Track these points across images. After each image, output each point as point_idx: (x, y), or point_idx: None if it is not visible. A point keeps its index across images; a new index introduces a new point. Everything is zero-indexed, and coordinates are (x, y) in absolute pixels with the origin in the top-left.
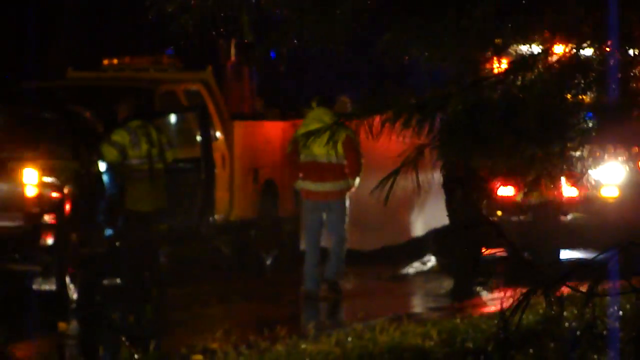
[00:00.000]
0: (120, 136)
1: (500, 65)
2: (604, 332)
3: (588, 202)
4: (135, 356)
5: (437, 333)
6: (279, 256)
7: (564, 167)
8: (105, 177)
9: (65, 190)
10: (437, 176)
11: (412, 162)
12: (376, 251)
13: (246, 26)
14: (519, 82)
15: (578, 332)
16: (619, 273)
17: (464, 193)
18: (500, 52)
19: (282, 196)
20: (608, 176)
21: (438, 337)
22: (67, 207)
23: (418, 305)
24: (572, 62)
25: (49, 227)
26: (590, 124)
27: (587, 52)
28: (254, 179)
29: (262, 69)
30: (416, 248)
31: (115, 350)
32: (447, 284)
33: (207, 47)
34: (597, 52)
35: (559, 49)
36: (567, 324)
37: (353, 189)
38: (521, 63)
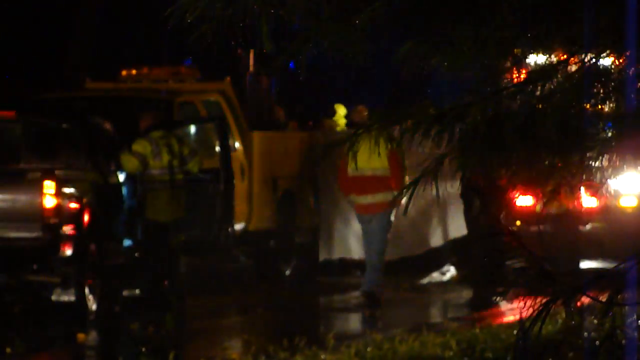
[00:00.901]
0: (141, 146)
1: (519, 75)
2: (623, 342)
3: (607, 212)
4: None
5: (457, 343)
6: (297, 266)
7: (583, 176)
8: (124, 188)
9: (84, 201)
10: (456, 186)
11: (432, 172)
12: (395, 261)
13: (265, 36)
14: (538, 92)
15: (597, 342)
16: (639, 282)
17: (483, 203)
18: (519, 62)
19: (301, 206)
20: (627, 186)
21: (457, 347)
22: (86, 217)
23: (437, 315)
24: (592, 72)
25: (68, 238)
26: (610, 134)
27: (607, 61)
28: (272, 189)
29: (281, 79)
30: (435, 258)
31: None
32: (467, 293)
33: (226, 57)
34: (617, 62)
35: (578, 59)
36: (586, 334)
37: (398, 202)
38: (540, 73)
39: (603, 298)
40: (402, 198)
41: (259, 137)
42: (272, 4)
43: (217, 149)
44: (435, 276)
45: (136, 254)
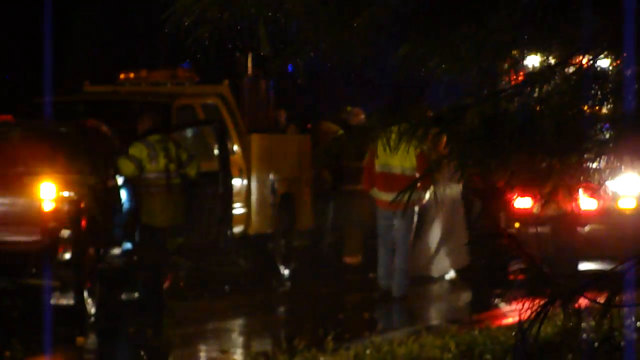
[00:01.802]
0: (137, 150)
1: (517, 77)
2: (622, 344)
3: (606, 214)
4: None
5: (456, 345)
6: (296, 269)
7: (582, 178)
8: (122, 191)
9: (83, 205)
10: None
11: (430, 174)
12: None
13: (263, 39)
14: (535, 94)
15: (596, 344)
16: (637, 284)
17: (483, 205)
18: (517, 64)
19: (299, 209)
20: (625, 187)
21: (456, 349)
22: (84, 221)
23: (436, 317)
24: (589, 74)
25: (66, 242)
26: (608, 135)
27: (604, 63)
28: (271, 192)
29: (279, 82)
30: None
31: None
32: (466, 296)
33: (224, 60)
34: (614, 64)
35: (575, 60)
36: (584, 336)
37: (423, 202)
38: (538, 74)
39: (602, 300)
40: (424, 197)
41: (257, 140)
42: (270, 7)
43: (216, 152)
44: (435, 278)
45: (134, 258)
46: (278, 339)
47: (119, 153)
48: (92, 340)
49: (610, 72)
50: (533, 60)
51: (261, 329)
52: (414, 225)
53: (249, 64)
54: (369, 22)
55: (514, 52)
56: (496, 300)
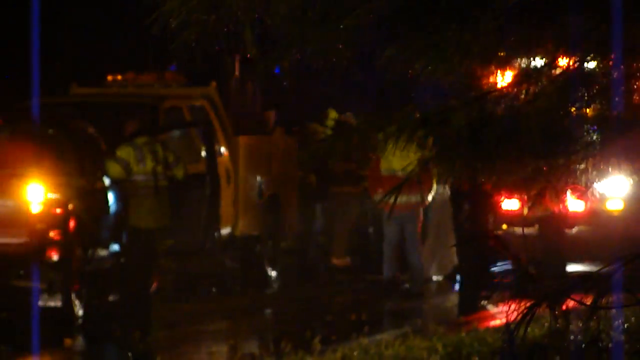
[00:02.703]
0: (125, 152)
1: (503, 78)
2: (609, 345)
3: (593, 215)
4: None
5: (443, 347)
6: (284, 271)
7: (569, 180)
8: (110, 193)
9: (70, 207)
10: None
11: (416, 176)
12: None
13: (249, 41)
14: (522, 96)
15: (583, 345)
16: (624, 286)
17: (471, 207)
18: (503, 66)
19: (286, 211)
20: (613, 189)
21: (444, 350)
22: (72, 223)
23: (424, 319)
24: (576, 75)
25: (54, 244)
26: (595, 137)
27: (591, 65)
28: (258, 194)
29: (265, 84)
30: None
31: None
32: (453, 297)
33: (210, 62)
34: (601, 65)
35: (562, 62)
36: (572, 337)
37: (426, 203)
38: (525, 76)
39: (589, 301)
40: (429, 201)
41: (244, 142)
42: (256, 9)
43: (203, 154)
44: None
45: (122, 260)
46: (265, 341)
47: (107, 155)
48: (79, 342)
49: (597, 74)
50: (519, 63)
51: (248, 331)
52: (420, 224)
53: (236, 66)
54: (354, 24)
55: (501, 53)
56: (483, 302)
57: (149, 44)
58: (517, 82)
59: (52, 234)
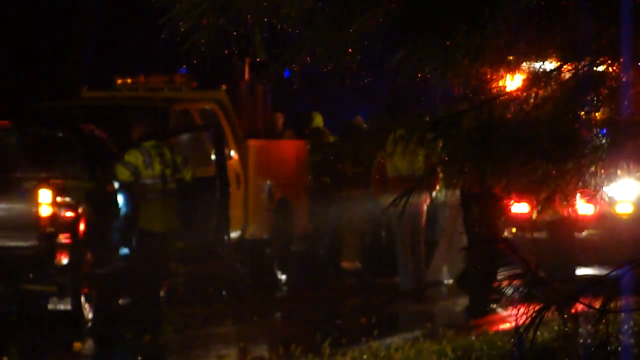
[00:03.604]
0: (133, 156)
1: (513, 82)
2: (618, 349)
3: (603, 219)
4: None
5: (452, 350)
6: (293, 274)
7: (578, 184)
8: (119, 196)
9: (80, 210)
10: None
11: (426, 180)
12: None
13: (259, 44)
14: (532, 99)
15: (592, 349)
16: (633, 289)
17: (480, 210)
18: (513, 69)
19: (296, 214)
20: (622, 193)
21: (453, 354)
22: (82, 226)
23: (434, 322)
24: (585, 79)
25: (63, 247)
26: (604, 141)
27: (600, 68)
28: (268, 197)
29: (275, 87)
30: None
31: None
32: (463, 301)
33: (220, 66)
34: (610, 69)
35: (571, 66)
36: (581, 341)
37: (428, 200)
38: (534, 80)
39: (598, 305)
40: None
41: (254, 145)
42: (266, 12)
43: (213, 157)
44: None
45: (132, 263)
46: (275, 344)
47: (116, 159)
48: (89, 345)
49: (606, 78)
50: (529, 66)
51: (258, 334)
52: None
53: (246, 70)
54: (365, 27)
55: (510, 57)
56: (493, 306)
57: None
58: (526, 85)
59: (61, 237)
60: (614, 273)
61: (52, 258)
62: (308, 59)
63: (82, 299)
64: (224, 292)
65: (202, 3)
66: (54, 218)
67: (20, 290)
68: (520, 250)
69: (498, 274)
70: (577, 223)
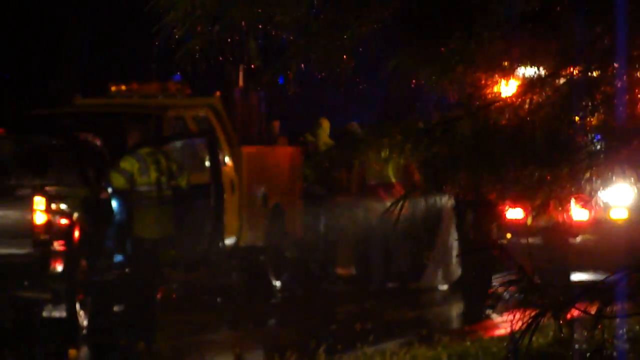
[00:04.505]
0: (128, 164)
1: (507, 88)
2: (614, 354)
3: (597, 224)
4: None
5: (448, 356)
6: (288, 281)
7: (573, 189)
8: (114, 204)
9: (75, 217)
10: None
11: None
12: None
13: (253, 51)
14: (526, 105)
15: (588, 354)
16: (629, 295)
17: (475, 216)
18: (507, 75)
19: (290, 221)
20: (617, 198)
21: None
22: (76, 233)
23: (429, 328)
24: (580, 85)
25: (58, 254)
26: (598, 146)
27: (594, 74)
28: (262, 204)
29: (269, 94)
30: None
31: None
32: (458, 306)
33: (215, 72)
34: (605, 74)
35: (566, 72)
36: (576, 346)
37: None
38: (529, 86)
39: (593, 310)
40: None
41: (248, 152)
42: (260, 19)
43: (207, 164)
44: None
45: (126, 270)
46: (270, 351)
47: (111, 166)
48: (84, 353)
49: (601, 83)
50: (524, 72)
51: (253, 341)
52: None
53: (240, 76)
54: (359, 34)
55: (505, 63)
56: (488, 311)
57: (153, 54)
58: (521, 91)
59: (56, 244)
60: (610, 279)
61: (47, 265)
62: (302, 65)
63: (77, 306)
64: (218, 299)
65: (196, 10)
66: (48, 225)
67: (15, 297)
68: (516, 256)
69: (493, 279)
70: (572, 229)
